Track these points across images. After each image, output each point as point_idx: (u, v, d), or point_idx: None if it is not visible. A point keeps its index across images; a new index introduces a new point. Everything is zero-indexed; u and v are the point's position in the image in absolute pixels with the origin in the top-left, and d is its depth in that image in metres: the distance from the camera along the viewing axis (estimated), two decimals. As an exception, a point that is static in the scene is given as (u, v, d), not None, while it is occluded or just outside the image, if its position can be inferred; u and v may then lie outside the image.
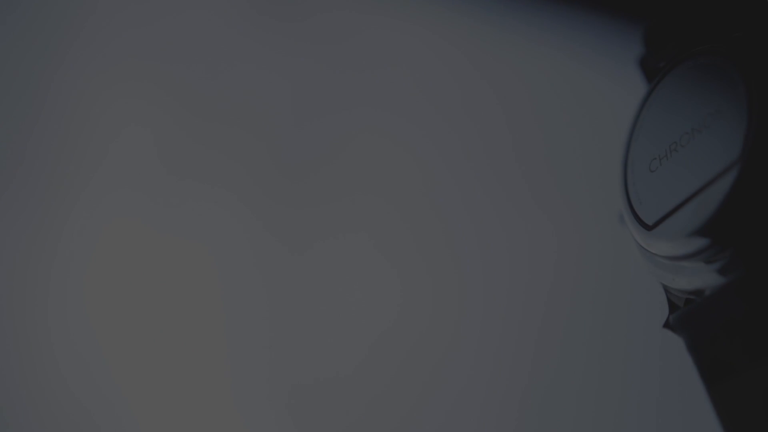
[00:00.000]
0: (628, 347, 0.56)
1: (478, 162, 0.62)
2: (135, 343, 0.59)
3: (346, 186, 0.62)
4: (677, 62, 0.31)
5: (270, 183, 0.61)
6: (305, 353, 0.59)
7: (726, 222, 0.28)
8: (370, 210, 0.61)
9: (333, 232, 0.61)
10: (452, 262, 0.61)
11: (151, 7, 0.63)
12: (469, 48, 0.63)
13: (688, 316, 0.29)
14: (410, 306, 0.60)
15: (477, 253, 0.60)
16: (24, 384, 0.59)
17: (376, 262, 0.61)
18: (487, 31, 0.62)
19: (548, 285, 0.58)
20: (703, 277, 0.29)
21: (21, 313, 0.60)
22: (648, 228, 0.30)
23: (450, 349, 0.59)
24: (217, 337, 0.59)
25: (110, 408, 0.58)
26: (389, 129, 0.62)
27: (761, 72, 0.28)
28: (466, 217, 0.61)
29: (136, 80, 0.62)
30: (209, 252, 0.61)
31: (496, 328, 0.59)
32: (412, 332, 0.59)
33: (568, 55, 0.61)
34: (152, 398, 0.58)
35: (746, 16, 0.29)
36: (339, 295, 0.60)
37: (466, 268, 0.60)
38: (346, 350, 0.59)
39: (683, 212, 0.29)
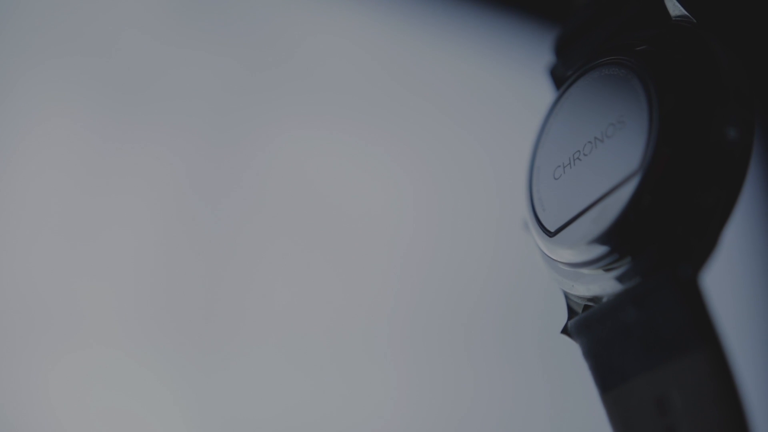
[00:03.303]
0: (530, 352, 0.56)
1: (399, 161, 0.62)
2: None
3: (265, 180, 0.62)
4: (584, 72, 0.31)
5: (190, 175, 0.61)
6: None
7: (624, 231, 0.28)
8: (292, 196, 0.61)
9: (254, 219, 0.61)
10: (372, 262, 0.61)
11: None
12: (384, 49, 0.63)
13: (584, 323, 0.29)
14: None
15: (392, 252, 0.61)
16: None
17: (296, 260, 0.61)
18: (408, 31, 0.62)
19: (454, 283, 0.59)
20: (601, 284, 0.29)
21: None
22: (550, 235, 0.30)
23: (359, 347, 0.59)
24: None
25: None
26: (310, 126, 0.62)
27: (662, 84, 0.28)
28: (381, 216, 0.61)
29: (63, 77, 0.62)
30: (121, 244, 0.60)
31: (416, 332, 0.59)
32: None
33: (488, 57, 0.61)
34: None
35: (651, 30, 0.30)
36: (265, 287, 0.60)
37: (386, 271, 0.60)
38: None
39: (584, 220, 0.29)
